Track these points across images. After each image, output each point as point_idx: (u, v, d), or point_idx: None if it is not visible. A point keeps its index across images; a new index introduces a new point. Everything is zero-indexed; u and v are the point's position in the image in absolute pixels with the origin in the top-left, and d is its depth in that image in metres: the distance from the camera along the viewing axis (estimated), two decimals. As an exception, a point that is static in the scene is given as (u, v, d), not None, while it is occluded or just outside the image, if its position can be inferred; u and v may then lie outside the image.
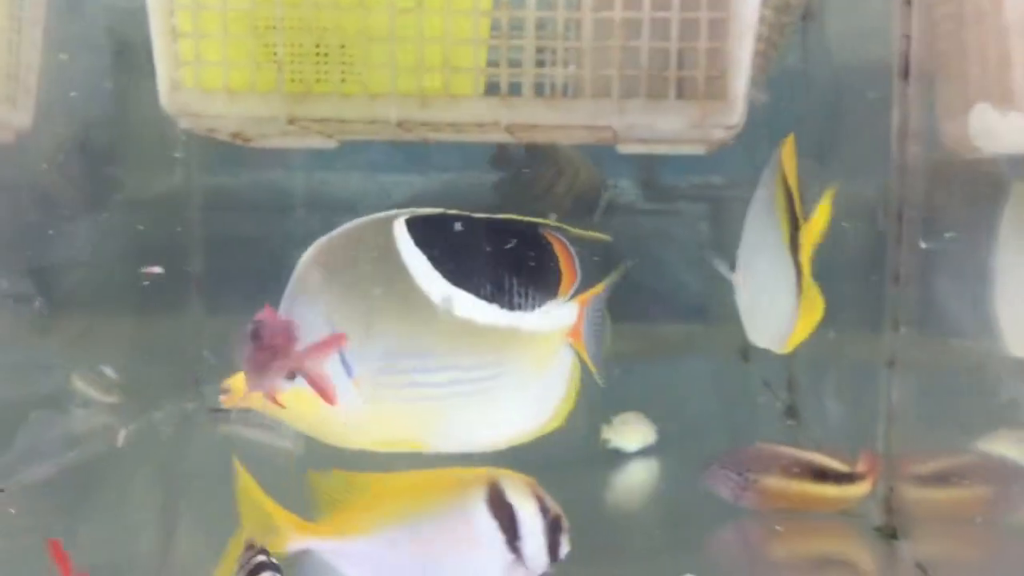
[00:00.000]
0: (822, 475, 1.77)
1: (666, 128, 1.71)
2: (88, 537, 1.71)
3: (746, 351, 2.42)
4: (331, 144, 2.06)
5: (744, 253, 1.64)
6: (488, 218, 1.48)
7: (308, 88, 1.71)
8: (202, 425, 2.24)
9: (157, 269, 2.25)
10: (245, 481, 1.37)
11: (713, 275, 2.15)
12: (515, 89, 1.73)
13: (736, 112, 1.67)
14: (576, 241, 1.49)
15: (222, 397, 1.37)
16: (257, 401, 1.36)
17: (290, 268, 2.49)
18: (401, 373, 1.40)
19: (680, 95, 1.68)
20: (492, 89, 1.75)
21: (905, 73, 1.69)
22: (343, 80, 1.71)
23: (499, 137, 1.90)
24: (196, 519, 1.92)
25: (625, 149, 2.01)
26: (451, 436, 1.44)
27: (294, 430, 2.34)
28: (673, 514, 1.84)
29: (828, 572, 1.69)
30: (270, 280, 2.40)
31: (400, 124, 1.77)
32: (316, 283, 1.39)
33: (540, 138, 1.90)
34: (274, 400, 1.38)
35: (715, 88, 1.67)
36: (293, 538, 1.33)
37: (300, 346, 1.34)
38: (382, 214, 1.44)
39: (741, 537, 1.79)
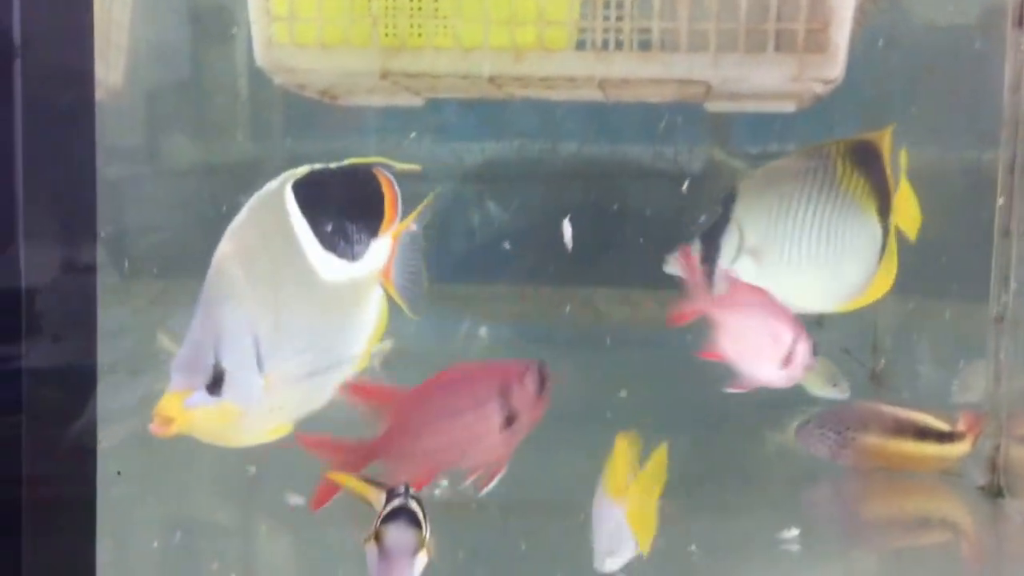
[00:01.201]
0: (922, 434, 1.74)
1: (763, 82, 1.69)
2: (173, 489, 1.72)
3: (820, 316, 2.39)
4: (418, 102, 2.05)
5: (773, 229, 1.63)
6: (338, 168, 1.40)
7: (402, 42, 1.70)
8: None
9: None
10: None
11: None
12: (605, 44, 1.71)
13: (837, 65, 1.64)
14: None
15: (152, 426, 1.22)
16: (187, 426, 1.25)
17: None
18: (299, 356, 1.33)
19: (779, 48, 1.65)
20: (582, 45, 1.73)
21: (1020, 22, 1.65)
22: (436, 34, 1.70)
23: (590, 93, 1.88)
24: (276, 469, 1.92)
25: (714, 107, 1.99)
26: (309, 403, 1.37)
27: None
28: (765, 473, 1.82)
29: (928, 531, 1.67)
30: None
31: (492, 79, 1.76)
32: (236, 281, 1.29)
33: (631, 95, 1.88)
34: None
35: (816, 41, 1.64)
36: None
37: None
38: (274, 183, 1.35)
39: (839, 495, 1.77)
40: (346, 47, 1.71)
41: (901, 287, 1.94)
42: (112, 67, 1.94)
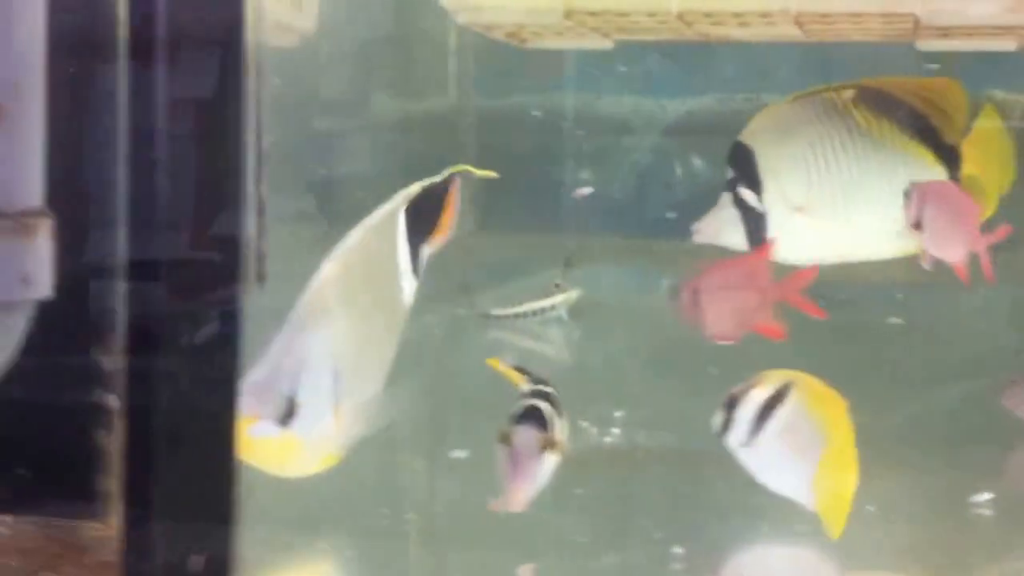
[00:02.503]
0: None
1: (978, 14, 1.56)
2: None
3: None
4: (607, 45, 1.99)
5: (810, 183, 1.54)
6: (439, 182, 1.32)
7: (586, -22, 1.65)
8: (471, 330, 2.26)
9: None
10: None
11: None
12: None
13: (1063, -7, 1.49)
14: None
15: None
16: (244, 453, 1.14)
17: (559, 186, 2.47)
18: (371, 389, 1.27)
19: (996, -25, 1.52)
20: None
21: None
22: (623, -31, 1.65)
23: (787, 32, 1.78)
24: (463, 413, 1.92)
25: (925, 45, 1.85)
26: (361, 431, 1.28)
27: (560, 338, 2.35)
28: (966, 434, 1.70)
29: None
30: (539, 197, 2.39)
31: (681, 16, 1.69)
32: (331, 310, 1.21)
33: (832, 33, 1.77)
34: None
35: (1039, -35, 1.50)
36: None
37: None
38: (389, 204, 1.28)
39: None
40: (530, -17, 1.67)
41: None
42: (305, 12, 1.96)
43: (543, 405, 1.18)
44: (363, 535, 1.41)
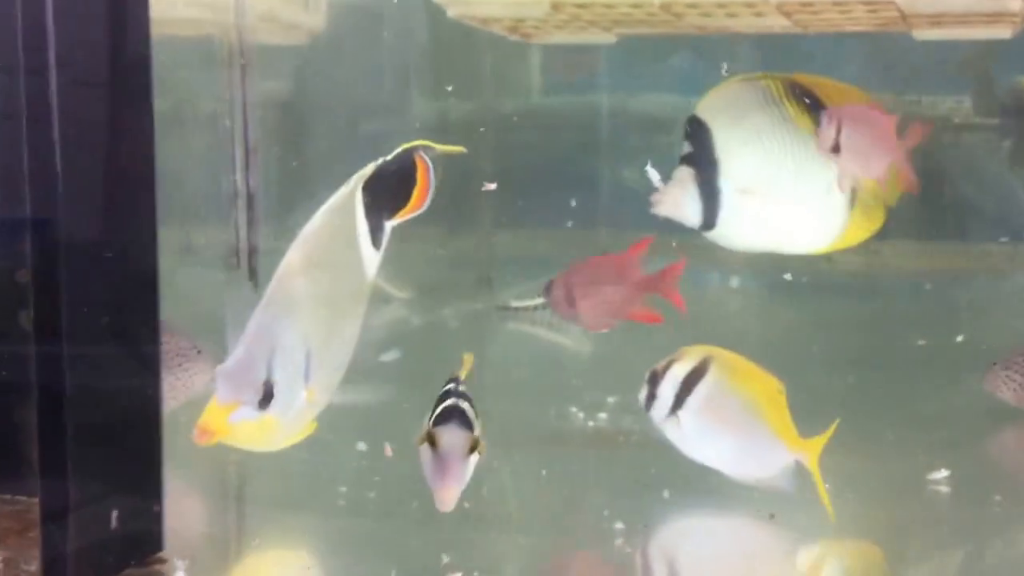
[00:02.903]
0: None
1: (955, 0, 1.55)
2: (379, 418, 1.76)
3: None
4: (609, 39, 2.02)
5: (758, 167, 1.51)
6: (392, 158, 1.30)
7: (570, -30, 1.68)
8: (490, 322, 2.30)
9: (492, 186, 2.29)
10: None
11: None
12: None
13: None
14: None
15: (197, 438, 1.19)
16: (228, 437, 1.21)
17: (583, 185, 2.49)
18: (340, 366, 1.28)
19: (969, -40, 1.52)
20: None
21: None
22: (606, -40, 1.67)
23: (776, 23, 1.79)
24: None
25: (921, 35, 1.84)
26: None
27: (579, 331, 2.37)
28: (942, 415, 1.70)
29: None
30: (557, 196, 2.41)
31: (665, 7, 1.70)
32: (298, 294, 1.23)
33: (819, 23, 1.77)
34: None
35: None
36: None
37: None
38: (347, 186, 1.28)
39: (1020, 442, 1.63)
40: (515, -23, 1.70)
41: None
42: (314, 9, 2.02)
43: (464, 405, 1.19)
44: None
